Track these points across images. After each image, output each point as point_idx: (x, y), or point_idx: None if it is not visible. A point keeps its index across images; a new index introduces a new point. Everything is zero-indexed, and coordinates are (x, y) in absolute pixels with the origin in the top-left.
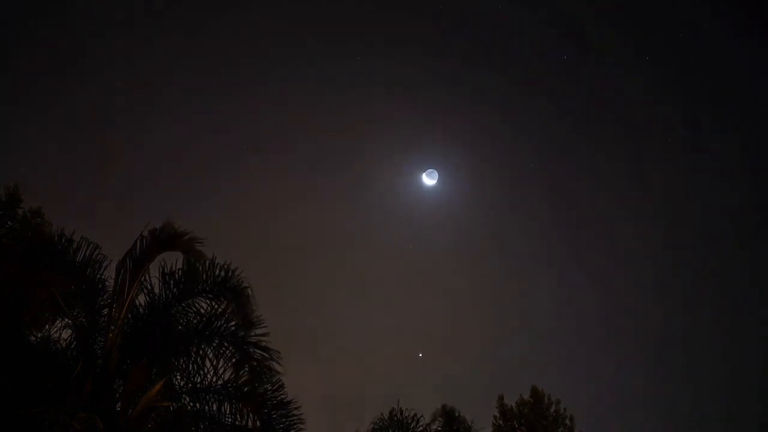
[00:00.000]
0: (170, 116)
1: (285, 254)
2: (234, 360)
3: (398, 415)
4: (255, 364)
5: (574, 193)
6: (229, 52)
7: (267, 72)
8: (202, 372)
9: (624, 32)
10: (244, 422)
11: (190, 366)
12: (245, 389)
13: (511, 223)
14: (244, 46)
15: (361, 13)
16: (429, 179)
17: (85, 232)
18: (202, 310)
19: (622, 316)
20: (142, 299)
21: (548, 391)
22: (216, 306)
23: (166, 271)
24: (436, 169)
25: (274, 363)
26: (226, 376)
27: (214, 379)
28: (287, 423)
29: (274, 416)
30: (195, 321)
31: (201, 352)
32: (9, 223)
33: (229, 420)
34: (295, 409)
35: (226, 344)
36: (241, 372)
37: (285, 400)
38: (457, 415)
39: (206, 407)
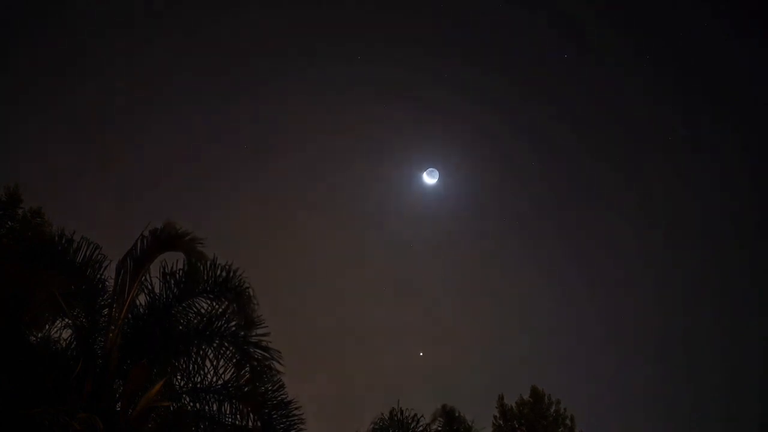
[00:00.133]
0: (170, 116)
1: (284, 254)
2: (234, 360)
3: (398, 415)
4: (255, 364)
5: (574, 193)
6: (229, 52)
7: (267, 72)
8: (202, 372)
9: (624, 32)
10: (244, 422)
11: (191, 366)
12: (246, 389)
13: (512, 223)
14: (244, 46)
15: (361, 13)
16: (429, 178)
17: (85, 232)
18: (203, 310)
19: (622, 316)
20: (142, 299)
21: (548, 391)
22: (217, 306)
23: (166, 271)
24: (436, 169)
25: (274, 363)
26: (227, 376)
27: (215, 379)
28: (288, 423)
29: (275, 416)
30: (195, 321)
31: (201, 352)
32: (9, 223)
33: (230, 420)
34: (296, 409)
35: (226, 344)
36: (242, 372)
37: (285, 400)
38: (457, 415)
39: (206, 407)
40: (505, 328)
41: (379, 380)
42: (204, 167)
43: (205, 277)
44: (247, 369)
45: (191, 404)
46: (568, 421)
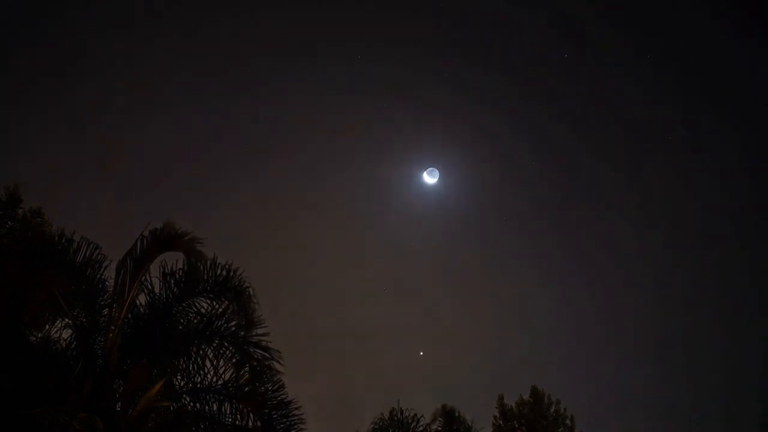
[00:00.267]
0: (170, 116)
1: (284, 254)
2: (234, 360)
3: (398, 415)
4: (255, 364)
5: (574, 193)
6: (229, 52)
7: (267, 72)
8: (202, 372)
9: (624, 32)
10: (244, 422)
11: (191, 366)
12: (246, 389)
13: (512, 223)
14: (244, 47)
15: (362, 13)
16: (430, 178)
17: (85, 232)
18: (203, 310)
19: (622, 316)
20: (142, 299)
21: (548, 391)
22: (217, 306)
23: (166, 271)
24: (436, 168)
25: (274, 363)
26: (227, 376)
27: (215, 379)
28: (288, 423)
29: (275, 416)
30: (195, 321)
31: (201, 352)
32: (9, 223)
33: (230, 420)
34: (296, 409)
35: (226, 344)
36: (242, 372)
37: (285, 400)
38: (457, 415)
39: (206, 407)
40: (505, 328)
41: (379, 380)
42: (204, 167)
43: (205, 277)
44: (247, 369)
45: (191, 404)
46: (568, 421)
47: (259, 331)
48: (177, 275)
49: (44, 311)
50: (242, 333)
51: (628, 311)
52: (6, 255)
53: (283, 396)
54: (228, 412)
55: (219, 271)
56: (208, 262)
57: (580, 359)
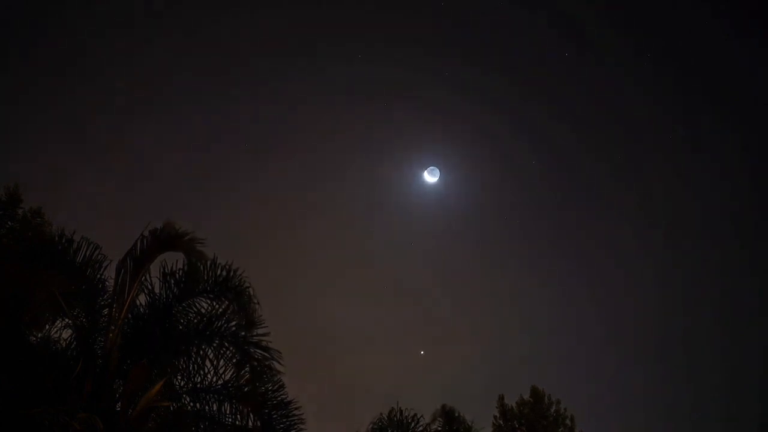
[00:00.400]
0: (170, 116)
1: (284, 254)
2: (235, 360)
3: (398, 415)
4: (256, 364)
5: (574, 193)
6: (229, 52)
7: (267, 72)
8: (202, 372)
9: (624, 32)
10: (244, 422)
11: (191, 366)
12: (246, 389)
13: (512, 223)
14: (244, 47)
15: (362, 13)
16: (430, 177)
17: (85, 232)
18: (203, 310)
19: (622, 316)
20: (142, 299)
21: (548, 391)
22: (217, 306)
23: (166, 271)
24: (437, 167)
25: (274, 363)
26: (227, 376)
27: (215, 379)
28: (287, 423)
29: (275, 416)
30: (195, 321)
31: (201, 352)
32: (9, 223)
33: (230, 420)
34: (296, 409)
35: (226, 344)
36: (242, 372)
37: (285, 401)
38: (457, 415)
39: (206, 407)
40: (505, 328)
41: (379, 380)
42: (204, 167)
43: (205, 277)
44: (247, 369)
45: (191, 404)
46: (568, 421)
47: (260, 331)
48: (177, 275)
49: (44, 311)
50: (242, 333)
51: (628, 311)
52: (6, 255)
53: (283, 396)
54: (228, 412)
55: (219, 272)
56: (208, 262)
57: (580, 359)
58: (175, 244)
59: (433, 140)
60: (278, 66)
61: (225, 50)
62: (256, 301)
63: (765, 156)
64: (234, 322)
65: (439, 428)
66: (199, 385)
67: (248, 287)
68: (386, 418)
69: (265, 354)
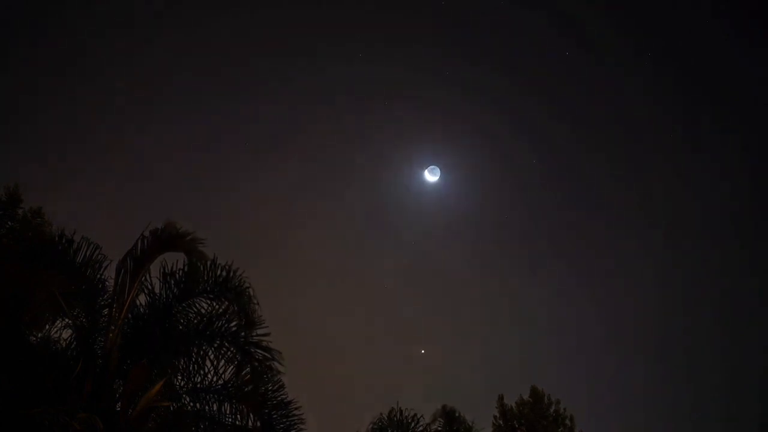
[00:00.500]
0: (170, 116)
1: (284, 254)
2: (235, 360)
3: (398, 415)
4: (256, 364)
5: (573, 193)
6: (229, 52)
7: (267, 72)
8: (202, 372)
9: (624, 32)
10: (244, 422)
11: (191, 366)
12: (246, 389)
13: (512, 222)
14: (244, 46)
15: (362, 13)
16: (431, 176)
17: (85, 232)
18: (203, 311)
19: (622, 316)
20: (142, 299)
21: (548, 391)
22: (217, 306)
23: (166, 271)
24: (437, 166)
25: (275, 363)
26: (227, 376)
27: (215, 379)
28: (287, 423)
29: (275, 416)
30: (196, 321)
31: (201, 352)
32: (9, 223)
33: (230, 420)
34: (296, 409)
35: (227, 344)
36: (243, 372)
37: (285, 401)
38: (457, 415)
39: (206, 407)
40: (505, 327)
41: (379, 380)
42: (204, 167)
43: (206, 277)
44: (248, 369)
45: (191, 404)
46: (568, 421)
47: (260, 331)
48: (177, 275)
49: (44, 311)
50: (243, 333)
51: (628, 311)
52: (6, 255)
53: (283, 396)
54: (228, 412)
55: (219, 272)
56: (209, 263)
57: (580, 359)
58: (176, 244)
59: (432, 140)
60: (278, 66)
61: (225, 50)
62: (256, 302)
63: (765, 156)
64: (234, 322)
65: (440, 428)
66: (199, 385)
67: (248, 287)
68: (386, 418)
69: (266, 354)
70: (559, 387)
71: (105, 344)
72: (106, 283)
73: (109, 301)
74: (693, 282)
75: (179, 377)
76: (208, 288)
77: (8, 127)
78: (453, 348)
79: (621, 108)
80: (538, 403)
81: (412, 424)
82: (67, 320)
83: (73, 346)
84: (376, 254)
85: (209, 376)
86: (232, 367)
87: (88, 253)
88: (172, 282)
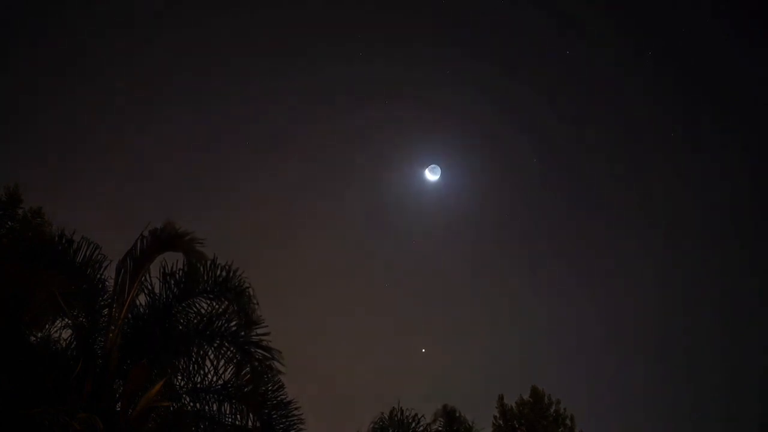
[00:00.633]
0: (170, 116)
1: (285, 253)
2: (235, 360)
3: (398, 415)
4: (256, 364)
5: (573, 193)
6: (229, 52)
7: (267, 72)
8: (202, 372)
9: (624, 32)
10: (244, 422)
11: (191, 366)
12: (246, 389)
13: (512, 222)
14: (245, 46)
15: (362, 13)
16: (432, 175)
17: (85, 232)
18: (203, 310)
19: (622, 316)
20: (142, 299)
21: (548, 391)
22: (217, 306)
23: (166, 271)
24: (438, 166)
25: (275, 363)
26: (227, 376)
27: (215, 379)
28: (287, 423)
29: (275, 416)
30: (196, 321)
31: (201, 352)
32: (9, 223)
33: (229, 420)
34: (296, 409)
35: (227, 344)
36: (243, 372)
37: (285, 401)
38: (457, 415)
39: (206, 407)
40: (505, 327)
41: (380, 380)
42: (204, 167)
43: (205, 277)
44: (248, 369)
45: (191, 404)
46: (568, 421)
47: (260, 331)
48: (177, 275)
49: (44, 311)
50: (243, 333)
51: (628, 311)
52: (6, 255)
53: (283, 396)
54: (228, 412)
55: (219, 272)
56: (208, 263)
57: (580, 359)
58: (175, 244)
59: (432, 140)
60: (278, 66)
61: (225, 50)
62: (255, 302)
63: (765, 156)
64: (234, 322)
65: (440, 428)
66: (199, 385)
67: (248, 287)
68: (387, 417)
69: (266, 354)
70: (559, 387)
71: (105, 344)
72: (106, 283)
73: (109, 301)
74: (693, 282)
75: (179, 377)
76: (208, 288)
77: (8, 127)
78: (453, 348)
79: (621, 108)
80: (538, 403)
81: (413, 424)
82: (67, 320)
83: (73, 346)
84: (376, 254)
85: (209, 376)
86: (232, 366)
87: (88, 253)
88: (172, 282)
